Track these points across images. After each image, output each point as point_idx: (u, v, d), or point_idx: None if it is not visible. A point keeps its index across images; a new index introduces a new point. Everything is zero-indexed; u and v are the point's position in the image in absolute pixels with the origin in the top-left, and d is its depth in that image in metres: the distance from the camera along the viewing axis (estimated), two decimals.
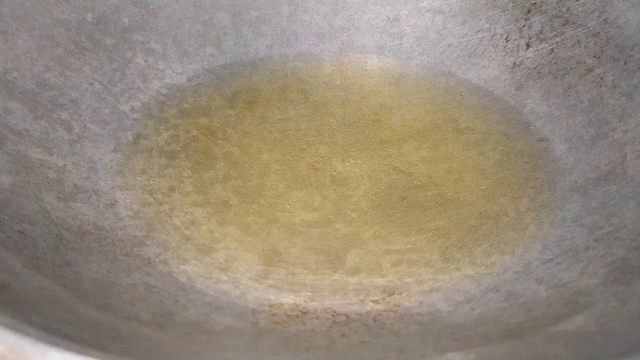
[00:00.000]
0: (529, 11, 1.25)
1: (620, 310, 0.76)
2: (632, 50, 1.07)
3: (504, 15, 1.28)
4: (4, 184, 0.87)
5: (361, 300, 0.83)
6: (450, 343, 0.78)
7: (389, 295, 0.84)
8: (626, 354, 0.68)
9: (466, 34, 1.33)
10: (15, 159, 0.92)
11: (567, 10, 1.19)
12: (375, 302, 0.83)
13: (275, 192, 0.96)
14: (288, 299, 0.82)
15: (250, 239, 0.89)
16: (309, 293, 0.83)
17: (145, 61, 1.19)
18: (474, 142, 1.08)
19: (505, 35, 1.28)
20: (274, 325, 0.79)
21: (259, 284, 0.83)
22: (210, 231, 0.91)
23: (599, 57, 1.13)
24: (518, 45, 1.26)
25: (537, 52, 1.24)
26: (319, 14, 1.35)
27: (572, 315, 0.81)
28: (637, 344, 0.69)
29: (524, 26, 1.25)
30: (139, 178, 0.97)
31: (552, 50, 1.21)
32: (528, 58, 1.25)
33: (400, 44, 1.28)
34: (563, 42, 1.20)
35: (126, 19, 1.20)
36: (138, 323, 0.77)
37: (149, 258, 0.88)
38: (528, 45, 1.26)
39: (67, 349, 0.59)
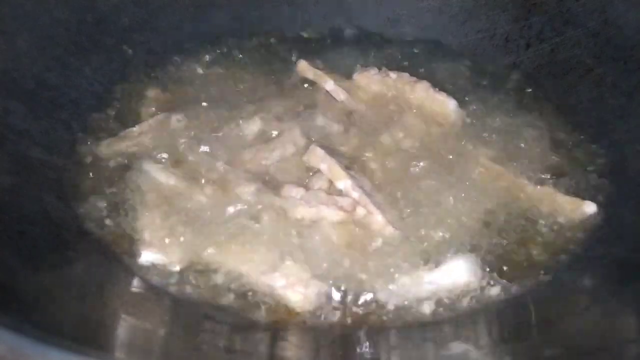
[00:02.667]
0: (529, 11, 1.25)
1: (620, 310, 0.76)
2: (632, 50, 1.07)
3: (504, 15, 1.28)
4: (4, 184, 0.87)
5: None
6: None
7: None
8: (626, 353, 0.68)
9: (466, 34, 1.33)
10: (16, 159, 0.92)
11: (567, 10, 1.19)
12: None
13: None
14: None
15: None
16: None
17: (146, 61, 1.19)
18: None
19: (505, 35, 1.28)
20: None
21: None
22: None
23: (598, 57, 1.13)
24: (518, 45, 1.27)
25: (537, 52, 1.24)
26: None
27: (572, 315, 0.81)
28: (637, 344, 0.69)
29: (524, 26, 1.25)
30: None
31: (552, 50, 1.21)
32: (528, 58, 1.25)
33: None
34: (563, 42, 1.19)
35: (126, 19, 1.20)
36: (140, 322, 0.77)
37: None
38: (528, 45, 1.26)
39: (67, 349, 0.60)
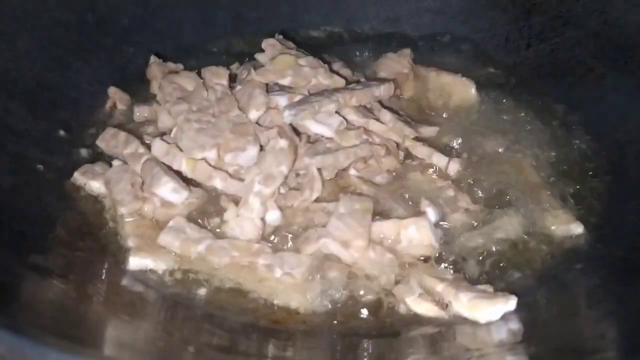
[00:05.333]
0: (529, 11, 1.25)
1: (621, 311, 0.76)
2: (632, 50, 1.07)
3: (504, 15, 1.28)
4: (4, 184, 0.87)
5: None
6: None
7: None
8: (627, 353, 0.68)
9: (466, 34, 1.33)
10: (16, 160, 0.92)
11: (567, 10, 1.19)
12: None
13: None
14: None
15: None
16: None
17: (146, 61, 1.18)
18: None
19: (506, 36, 1.28)
20: None
21: None
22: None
23: (599, 58, 1.13)
24: (518, 46, 1.27)
25: (537, 52, 1.24)
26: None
27: (571, 315, 0.81)
28: (638, 344, 0.69)
29: (524, 26, 1.25)
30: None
31: (552, 50, 1.21)
32: (528, 58, 1.25)
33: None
34: (563, 43, 1.19)
35: (126, 19, 1.20)
36: (138, 323, 0.77)
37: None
38: (528, 46, 1.26)
39: (67, 350, 0.60)
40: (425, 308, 0.82)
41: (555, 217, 0.94)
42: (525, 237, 0.93)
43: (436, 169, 1.00)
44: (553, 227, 0.93)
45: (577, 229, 0.93)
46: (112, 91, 1.12)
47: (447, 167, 0.99)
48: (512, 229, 0.93)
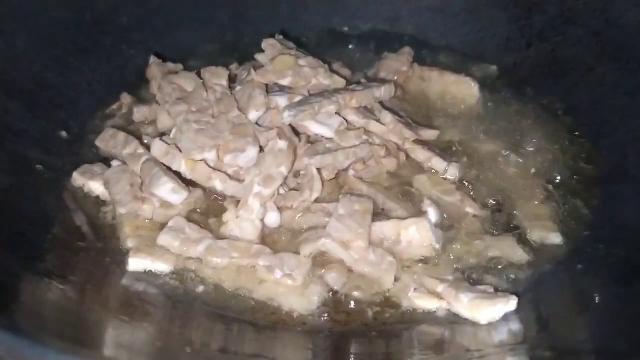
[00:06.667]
0: (530, 10, 1.24)
1: (622, 311, 0.76)
2: (633, 49, 1.07)
3: (505, 14, 1.27)
4: (3, 184, 0.87)
5: None
6: None
7: None
8: (628, 354, 0.68)
9: (467, 33, 1.33)
10: (14, 160, 0.92)
11: (569, 9, 1.19)
12: None
13: None
14: None
15: None
16: None
17: (145, 61, 1.18)
18: None
19: (507, 35, 1.28)
20: None
21: None
22: None
23: (600, 57, 1.12)
24: (519, 45, 1.26)
25: (538, 52, 1.23)
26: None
27: (571, 315, 0.81)
28: (638, 345, 0.69)
29: (525, 26, 1.25)
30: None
31: (553, 49, 1.21)
32: (529, 57, 1.25)
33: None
34: (564, 42, 1.19)
35: (125, 19, 1.19)
36: (137, 324, 0.77)
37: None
38: (529, 45, 1.25)
39: (66, 351, 0.59)
40: (426, 301, 0.83)
41: (539, 224, 0.94)
42: (526, 238, 0.93)
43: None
44: (534, 234, 0.93)
45: (556, 239, 0.92)
46: (124, 96, 1.12)
47: (446, 172, 0.99)
48: (512, 232, 0.93)
